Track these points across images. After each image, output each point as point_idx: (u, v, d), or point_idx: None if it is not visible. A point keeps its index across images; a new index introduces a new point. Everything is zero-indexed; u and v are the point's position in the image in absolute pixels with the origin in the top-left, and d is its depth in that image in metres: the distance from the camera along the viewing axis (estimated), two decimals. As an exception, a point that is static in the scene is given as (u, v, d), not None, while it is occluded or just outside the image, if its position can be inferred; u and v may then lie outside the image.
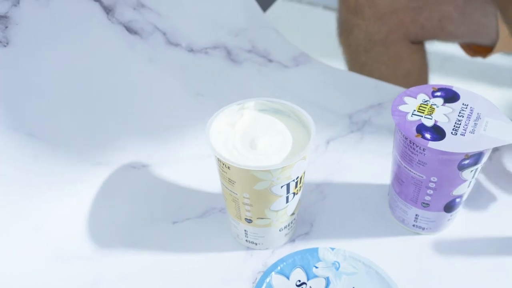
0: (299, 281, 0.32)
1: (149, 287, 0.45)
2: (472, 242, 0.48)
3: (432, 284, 0.45)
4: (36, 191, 0.46)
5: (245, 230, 0.47)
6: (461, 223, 0.49)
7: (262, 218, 0.45)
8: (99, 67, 0.52)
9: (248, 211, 0.44)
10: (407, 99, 0.46)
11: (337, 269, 0.33)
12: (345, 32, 0.84)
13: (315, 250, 0.34)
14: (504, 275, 0.46)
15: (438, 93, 0.46)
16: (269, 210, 0.44)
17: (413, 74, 0.84)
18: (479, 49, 0.83)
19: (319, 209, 0.51)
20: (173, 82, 0.58)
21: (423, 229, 0.48)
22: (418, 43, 0.84)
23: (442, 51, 1.23)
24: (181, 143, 0.56)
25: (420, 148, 0.42)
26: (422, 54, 0.86)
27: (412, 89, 0.47)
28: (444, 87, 0.47)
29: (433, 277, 0.46)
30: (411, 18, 0.79)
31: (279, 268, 0.33)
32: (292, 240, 0.49)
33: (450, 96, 0.46)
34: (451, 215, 0.48)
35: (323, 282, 0.32)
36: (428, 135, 0.42)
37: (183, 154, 0.55)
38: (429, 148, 0.42)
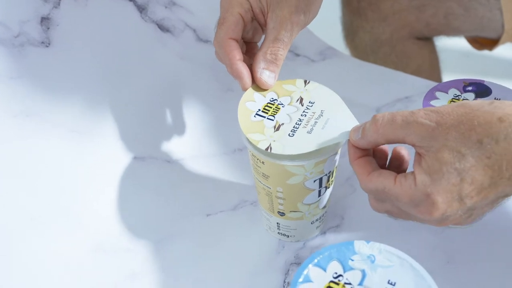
0: (336, 273, 0.33)
1: (184, 278, 0.47)
2: (505, 236, 0.48)
3: (462, 276, 0.46)
4: (75, 184, 0.48)
5: (277, 223, 0.48)
6: (496, 216, 0.50)
7: (294, 211, 0.46)
8: (134, 65, 0.54)
9: (281, 204, 0.45)
10: (438, 94, 0.46)
11: (373, 262, 0.33)
12: (351, 34, 0.85)
13: (351, 243, 0.35)
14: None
15: (470, 88, 0.47)
16: (302, 204, 0.45)
17: (423, 69, 0.84)
18: (485, 41, 0.83)
19: (349, 202, 0.52)
20: (204, 78, 0.59)
21: (454, 222, 0.49)
22: (426, 39, 0.84)
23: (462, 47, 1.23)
24: (213, 138, 0.58)
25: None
26: (431, 48, 0.86)
27: (443, 83, 0.48)
28: (475, 81, 0.47)
29: (463, 269, 0.46)
30: (416, 16, 0.79)
31: (316, 260, 0.34)
32: (323, 232, 0.50)
33: (482, 90, 0.46)
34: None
35: (359, 274, 0.33)
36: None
37: (215, 148, 0.57)
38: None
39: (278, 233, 0.49)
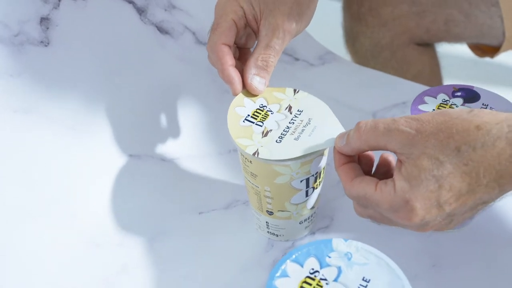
0: (313, 269, 0.34)
1: (175, 273, 0.48)
2: (491, 240, 0.49)
3: (447, 280, 0.46)
4: (72, 180, 0.50)
5: (266, 222, 0.49)
6: (482, 221, 0.50)
7: (282, 211, 0.47)
8: (133, 65, 0.55)
9: (269, 203, 0.46)
10: (427, 98, 0.47)
11: (349, 259, 0.34)
12: (351, 39, 0.86)
13: (329, 241, 0.35)
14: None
15: (459, 93, 0.47)
16: (289, 203, 0.46)
17: (423, 75, 0.85)
18: (487, 49, 0.83)
19: (339, 204, 0.53)
20: (202, 80, 0.60)
21: (441, 225, 0.50)
22: (426, 45, 0.85)
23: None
24: (208, 138, 0.59)
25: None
26: (432, 54, 0.87)
27: (432, 88, 0.48)
28: (465, 87, 0.48)
29: (448, 272, 0.47)
30: (416, 22, 0.80)
31: (294, 256, 0.35)
32: (312, 233, 0.51)
33: (471, 96, 0.47)
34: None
35: (335, 271, 0.34)
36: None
37: (210, 148, 0.58)
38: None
39: (268, 232, 0.50)
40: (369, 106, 0.64)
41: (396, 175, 0.36)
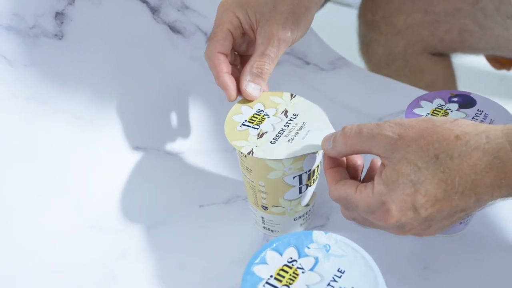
0: (291, 258, 0.35)
1: (172, 262, 0.50)
2: (483, 244, 0.49)
3: (437, 281, 0.46)
4: (78, 169, 0.52)
5: (262, 217, 0.50)
6: (474, 225, 0.50)
7: (276, 206, 0.48)
8: (144, 62, 0.58)
9: (264, 198, 0.48)
10: (423, 103, 0.48)
11: (327, 251, 0.35)
12: (365, 47, 0.87)
13: (310, 233, 0.37)
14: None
15: (455, 99, 0.48)
16: (283, 199, 0.47)
17: (437, 85, 0.85)
18: (505, 61, 0.82)
19: (336, 205, 0.53)
20: (211, 79, 0.62)
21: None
22: (441, 54, 0.85)
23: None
24: (214, 135, 0.61)
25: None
26: (446, 64, 0.87)
27: (430, 93, 0.49)
28: (462, 93, 0.49)
29: (439, 274, 0.47)
30: (429, 31, 0.80)
31: (274, 245, 0.36)
32: (307, 230, 0.52)
33: (467, 102, 0.47)
34: (466, 219, 0.49)
35: (312, 261, 0.35)
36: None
37: (214, 145, 0.60)
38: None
39: (263, 227, 0.51)
40: (375, 112, 0.64)
41: (376, 179, 0.38)
